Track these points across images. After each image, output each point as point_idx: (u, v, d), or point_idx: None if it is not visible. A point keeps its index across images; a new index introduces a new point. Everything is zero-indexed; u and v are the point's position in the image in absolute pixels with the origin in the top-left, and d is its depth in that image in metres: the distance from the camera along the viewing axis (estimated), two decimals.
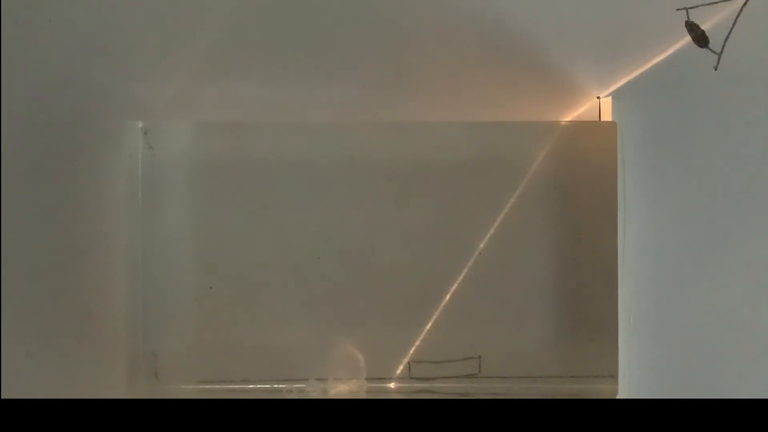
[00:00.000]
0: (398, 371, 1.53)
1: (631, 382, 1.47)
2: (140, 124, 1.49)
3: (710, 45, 1.08)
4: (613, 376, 1.49)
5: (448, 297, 1.52)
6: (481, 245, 1.52)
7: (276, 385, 1.51)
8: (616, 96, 1.50)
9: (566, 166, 1.53)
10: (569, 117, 1.55)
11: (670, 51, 1.26)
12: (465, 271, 1.52)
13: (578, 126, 1.53)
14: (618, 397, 1.49)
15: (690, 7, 1.07)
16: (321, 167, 1.51)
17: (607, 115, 1.51)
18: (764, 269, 1.08)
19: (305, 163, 1.51)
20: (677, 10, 1.08)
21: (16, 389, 1.12)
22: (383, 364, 1.53)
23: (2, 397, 1.10)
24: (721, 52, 1.06)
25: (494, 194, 1.53)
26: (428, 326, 1.52)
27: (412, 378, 1.53)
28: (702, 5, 1.06)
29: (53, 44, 1.26)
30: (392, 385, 1.53)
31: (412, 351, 1.53)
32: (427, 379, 1.53)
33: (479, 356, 1.52)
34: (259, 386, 1.51)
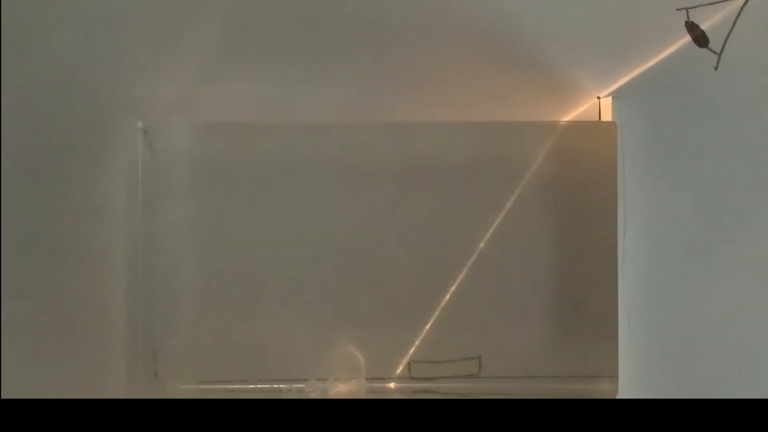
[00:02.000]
0: (398, 371, 1.53)
1: (631, 382, 1.47)
2: (140, 124, 1.50)
3: (710, 45, 1.08)
4: (613, 376, 1.49)
5: (448, 297, 1.52)
6: (481, 245, 1.53)
7: (276, 385, 1.51)
8: (616, 96, 1.50)
9: (566, 166, 1.53)
10: (569, 117, 1.55)
11: (670, 51, 1.26)
12: (465, 271, 1.52)
13: (578, 126, 1.53)
14: (618, 397, 1.49)
15: (690, 7, 1.07)
16: (321, 167, 1.51)
17: (607, 115, 1.51)
18: (765, 269, 1.08)
19: (305, 163, 1.51)
20: (677, 10, 1.09)
21: (16, 389, 1.12)
22: (383, 364, 1.53)
23: (2, 397, 1.10)
24: (721, 52, 1.06)
25: (494, 194, 1.53)
26: (428, 326, 1.52)
27: (412, 378, 1.53)
28: (702, 5, 1.06)
29: (53, 44, 1.26)
30: (392, 385, 1.53)
31: (412, 351, 1.53)
32: (427, 379, 1.53)
33: (479, 356, 1.52)
34: (258, 386, 1.51)
